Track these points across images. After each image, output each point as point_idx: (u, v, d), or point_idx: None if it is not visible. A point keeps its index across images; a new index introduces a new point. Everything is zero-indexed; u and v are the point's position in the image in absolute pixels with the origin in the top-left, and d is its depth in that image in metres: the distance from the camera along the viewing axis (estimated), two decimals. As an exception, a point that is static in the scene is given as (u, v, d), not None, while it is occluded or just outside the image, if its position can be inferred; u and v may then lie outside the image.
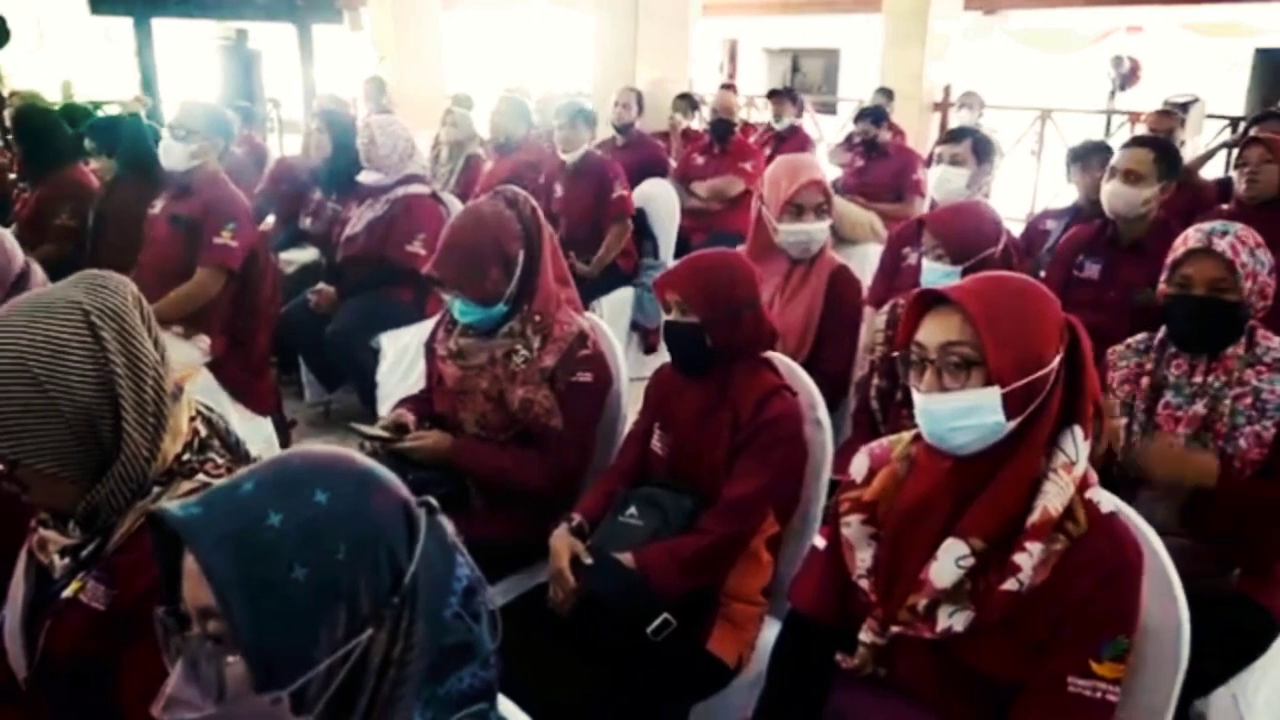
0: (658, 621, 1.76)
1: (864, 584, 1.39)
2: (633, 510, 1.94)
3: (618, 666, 1.75)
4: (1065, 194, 4.81)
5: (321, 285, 3.74)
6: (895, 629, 1.34)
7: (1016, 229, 3.94)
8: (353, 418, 2.56)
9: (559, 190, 4.34)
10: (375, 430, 2.17)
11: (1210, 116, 6.37)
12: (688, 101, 6.53)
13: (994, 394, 1.26)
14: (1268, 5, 11.41)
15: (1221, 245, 1.88)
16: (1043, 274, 3.15)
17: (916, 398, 1.32)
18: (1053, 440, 1.30)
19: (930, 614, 1.31)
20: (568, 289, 2.29)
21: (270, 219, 4.61)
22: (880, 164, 5.37)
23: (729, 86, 7.60)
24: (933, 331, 1.31)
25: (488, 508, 2.15)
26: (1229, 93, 8.20)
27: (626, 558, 1.81)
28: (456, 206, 3.73)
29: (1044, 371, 1.28)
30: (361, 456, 0.92)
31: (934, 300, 1.34)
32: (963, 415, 1.28)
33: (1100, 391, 1.35)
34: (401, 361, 3.55)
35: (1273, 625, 1.90)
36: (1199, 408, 1.90)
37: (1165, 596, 1.38)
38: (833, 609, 1.46)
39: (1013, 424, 1.28)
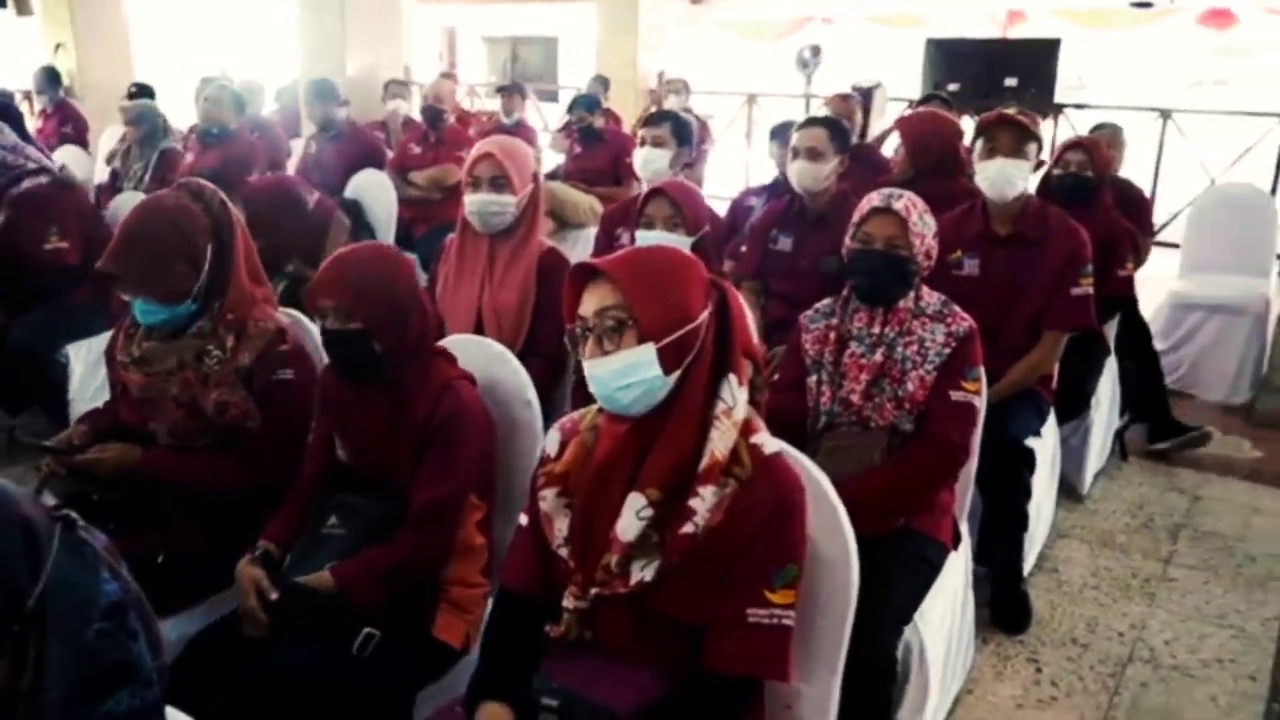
0: (360, 638, 1.72)
1: (563, 552, 1.43)
2: (334, 520, 1.85)
3: (333, 674, 1.69)
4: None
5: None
6: (595, 590, 1.39)
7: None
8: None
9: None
10: (50, 444, 1.99)
11: (893, 99, 6.98)
12: (399, 87, 6.37)
13: (649, 350, 1.33)
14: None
15: (897, 205, 2.11)
16: (743, 248, 3.35)
17: (585, 365, 1.38)
18: (713, 390, 1.39)
19: (624, 570, 1.37)
20: (263, 287, 2.18)
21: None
22: (597, 149, 5.50)
23: (448, 75, 7.50)
24: (589, 302, 1.37)
25: (189, 522, 2.01)
26: (908, 77, 9.00)
27: (324, 577, 1.75)
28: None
29: (693, 325, 1.36)
30: None
31: (590, 274, 1.39)
32: (624, 374, 1.34)
33: (753, 343, 1.46)
34: (96, 373, 3.24)
35: (944, 551, 2.13)
36: (878, 356, 2.10)
37: (834, 530, 1.52)
38: (539, 581, 1.49)
39: (673, 379, 1.36)
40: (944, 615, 2.14)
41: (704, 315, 1.38)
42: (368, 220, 4.42)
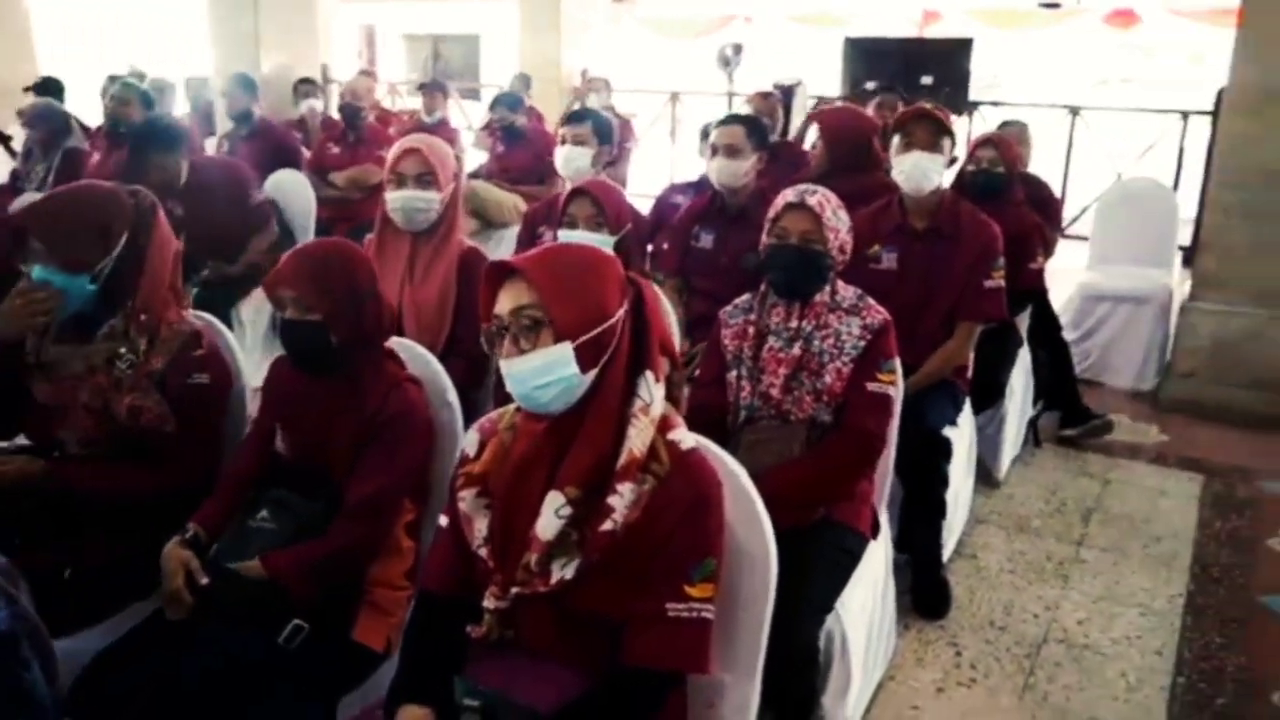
0: (289, 629, 1.70)
1: (483, 553, 1.43)
2: (264, 514, 1.85)
3: (252, 679, 1.66)
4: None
5: None
6: (515, 590, 1.39)
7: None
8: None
9: (178, 208, 3.97)
10: None
11: (813, 97, 7.07)
12: (312, 86, 6.26)
13: (565, 349, 1.34)
14: (855, -1, 12.90)
15: (811, 201, 2.15)
16: (665, 246, 3.36)
17: (502, 365, 1.37)
18: (631, 388, 1.40)
19: (544, 568, 1.37)
20: (178, 292, 2.13)
21: None
22: (520, 148, 5.48)
23: (367, 73, 7.39)
24: (505, 301, 1.37)
25: (100, 534, 1.95)
26: (829, 76, 9.14)
27: (254, 565, 1.73)
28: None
29: (609, 324, 1.37)
30: None
31: (505, 273, 1.39)
32: (542, 373, 1.34)
33: (670, 340, 1.47)
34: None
35: (864, 540, 2.18)
36: (795, 350, 2.13)
37: (753, 523, 1.54)
38: (460, 583, 1.48)
39: (590, 376, 1.36)
40: (865, 603, 2.18)
41: (620, 313, 1.39)
42: (285, 221, 4.33)
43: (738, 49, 9.44)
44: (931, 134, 2.83)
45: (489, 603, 1.41)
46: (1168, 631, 2.68)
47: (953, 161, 2.97)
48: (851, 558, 2.11)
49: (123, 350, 1.95)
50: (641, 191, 6.22)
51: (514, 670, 1.42)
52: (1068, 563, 3.04)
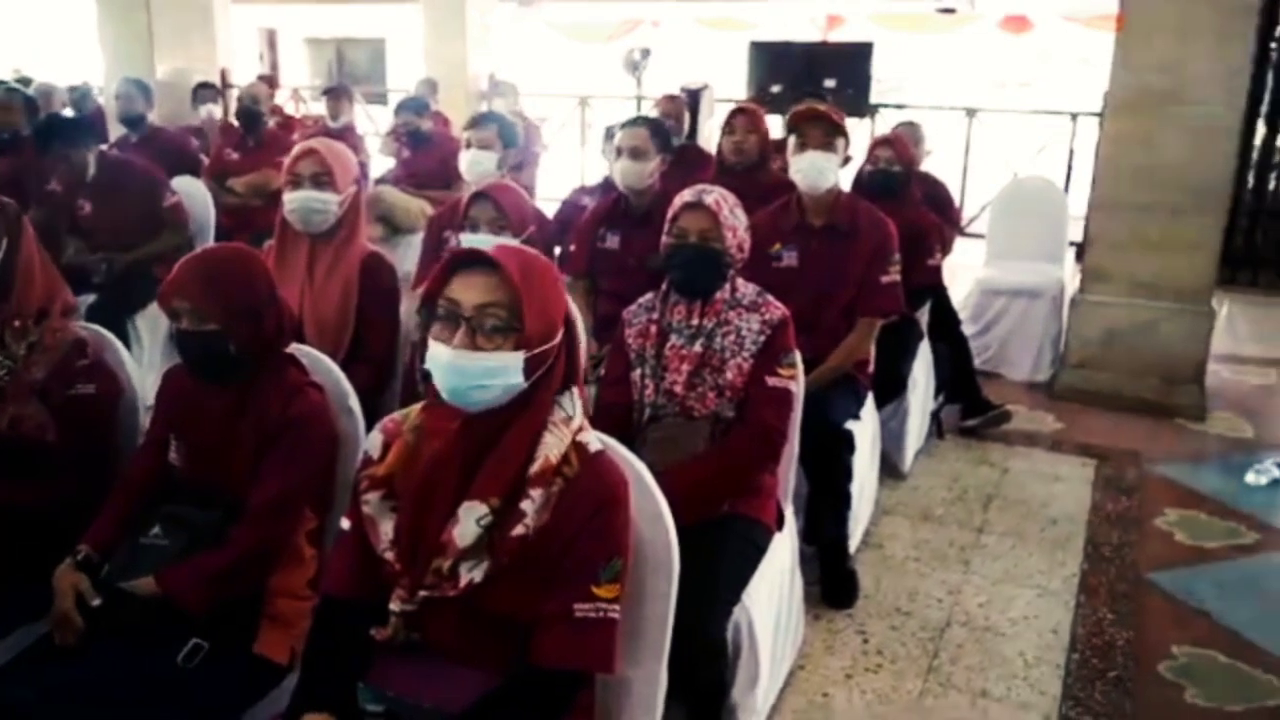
0: (187, 648, 1.66)
1: (389, 556, 1.41)
2: (156, 530, 1.80)
3: (150, 701, 1.62)
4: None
5: None
6: (423, 593, 1.38)
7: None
8: None
9: (86, 206, 3.84)
10: None
11: (720, 100, 7.16)
12: (211, 91, 6.10)
13: (519, 358, 1.34)
14: (761, 3, 13.08)
15: (708, 201, 2.18)
16: (572, 247, 3.38)
17: (441, 351, 1.35)
18: (553, 399, 1.41)
19: (454, 572, 1.36)
20: (62, 300, 2.06)
21: None
22: (426, 153, 5.43)
23: (266, 78, 7.22)
24: (470, 289, 1.35)
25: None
26: (735, 79, 9.25)
27: (148, 583, 1.69)
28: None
29: (557, 341, 1.40)
30: None
31: (472, 261, 1.37)
32: (489, 375, 1.34)
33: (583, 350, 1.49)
34: None
35: (769, 533, 2.21)
36: (697, 347, 2.16)
37: (656, 519, 1.56)
38: (363, 586, 1.46)
39: (526, 385, 1.37)
40: (772, 595, 2.22)
41: (561, 332, 1.41)
42: (183, 229, 4.22)
43: (645, 53, 9.49)
44: (824, 133, 2.90)
45: (395, 605, 1.40)
46: (1063, 610, 2.79)
47: (847, 160, 3.04)
48: (757, 550, 2.14)
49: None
50: (551, 195, 6.21)
51: (420, 673, 1.41)
52: (969, 548, 3.14)
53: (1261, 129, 6.27)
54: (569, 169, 8.21)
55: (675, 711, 2.00)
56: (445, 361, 1.34)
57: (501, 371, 1.34)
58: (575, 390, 1.45)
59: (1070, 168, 6.89)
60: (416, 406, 1.48)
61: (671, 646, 1.65)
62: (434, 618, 1.40)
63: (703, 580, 1.91)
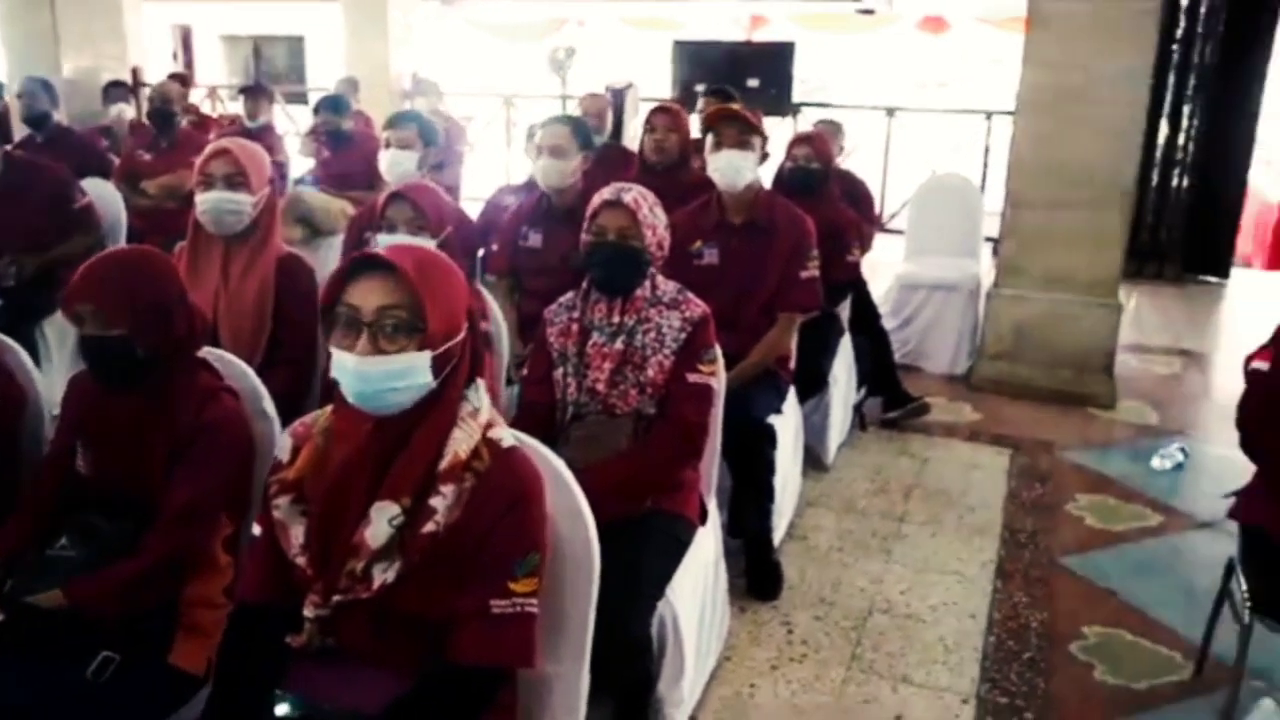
0: (97, 661, 1.62)
1: (300, 560, 1.40)
2: (63, 541, 1.75)
3: (60, 716, 1.57)
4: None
5: None
6: (337, 597, 1.36)
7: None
8: None
9: None
10: None
11: (645, 99, 7.18)
12: (122, 89, 5.93)
13: (426, 357, 1.34)
14: (686, 4, 13.14)
15: (627, 199, 2.19)
16: (494, 246, 3.36)
17: (345, 359, 1.34)
18: (462, 394, 1.41)
19: (367, 574, 1.35)
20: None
21: None
22: (347, 153, 5.34)
23: (178, 76, 7.04)
24: (369, 294, 1.34)
25: None
26: (660, 78, 9.29)
27: (54, 595, 1.64)
28: None
29: (462, 336, 1.40)
30: None
31: (368, 265, 1.36)
32: (397, 377, 1.33)
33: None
34: None
35: (692, 527, 2.23)
36: (619, 345, 2.17)
37: (575, 516, 1.57)
38: (277, 592, 1.44)
39: (435, 384, 1.37)
40: (696, 589, 2.24)
41: (465, 327, 1.41)
42: (93, 232, 4.09)
43: (569, 52, 9.51)
44: (739, 132, 2.95)
45: (309, 611, 1.38)
46: (980, 595, 2.87)
47: (765, 158, 3.08)
48: (680, 545, 2.16)
49: None
50: (477, 195, 6.18)
51: (336, 678, 1.40)
52: (891, 538, 3.21)
53: (1165, 128, 6.52)
54: (494, 168, 8.17)
55: (601, 708, 2.02)
56: (350, 369, 1.33)
57: (409, 373, 1.33)
58: (481, 383, 1.44)
59: (986, 165, 7.08)
60: (327, 409, 1.46)
61: (596, 643, 1.66)
62: (348, 621, 1.38)
63: (626, 576, 1.92)
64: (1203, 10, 6.25)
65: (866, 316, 4.10)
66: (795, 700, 2.41)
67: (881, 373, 4.14)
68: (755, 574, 2.84)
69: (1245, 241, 8.60)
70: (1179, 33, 6.32)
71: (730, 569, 2.61)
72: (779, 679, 2.48)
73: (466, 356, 1.42)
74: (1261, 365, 2.13)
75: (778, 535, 3.00)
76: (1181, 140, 6.51)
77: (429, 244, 2.48)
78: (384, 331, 1.33)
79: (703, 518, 2.27)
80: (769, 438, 2.80)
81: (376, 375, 1.33)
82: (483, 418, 1.42)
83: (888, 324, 4.40)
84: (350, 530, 1.36)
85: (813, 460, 3.58)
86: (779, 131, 6.46)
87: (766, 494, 2.82)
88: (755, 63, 8.80)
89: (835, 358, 3.63)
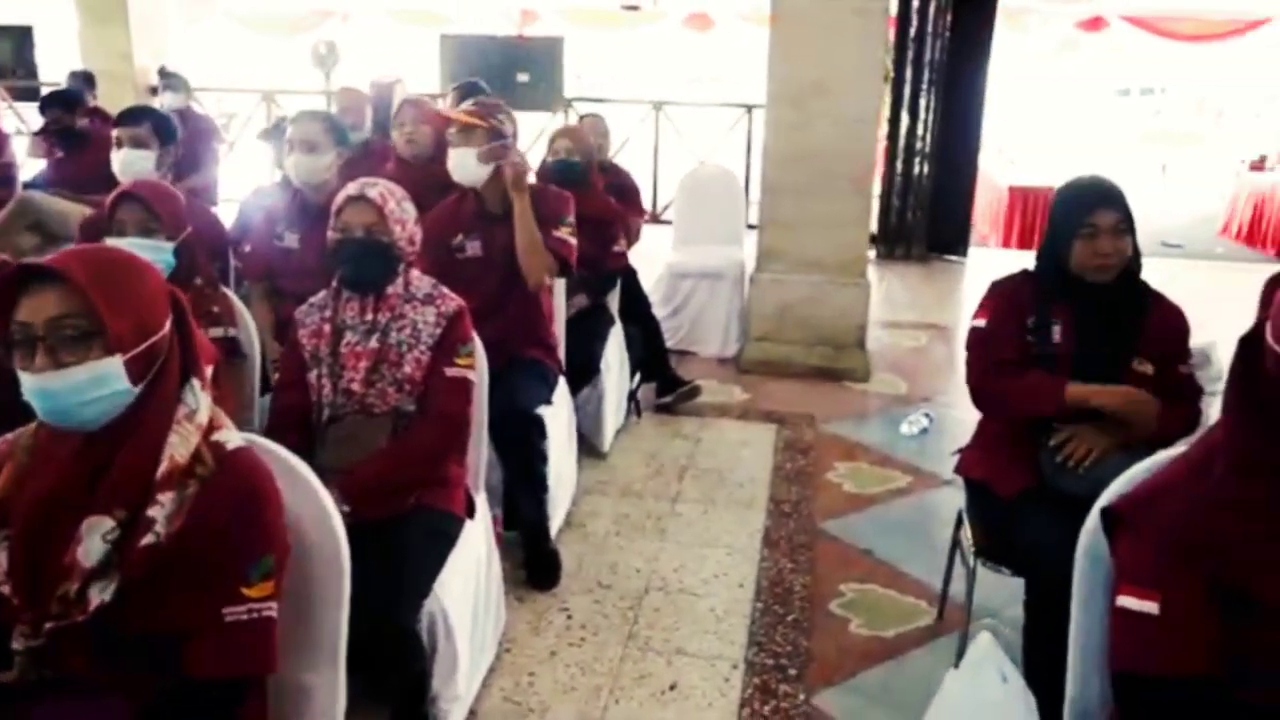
0: None
1: (4, 590, 1.29)
2: None
3: None
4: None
5: None
6: (49, 625, 1.27)
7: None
8: None
9: None
10: None
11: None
12: None
13: (117, 363, 1.27)
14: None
15: (372, 194, 2.15)
16: (248, 247, 3.21)
17: (28, 379, 1.25)
18: (175, 396, 1.35)
19: (82, 597, 1.27)
20: None
21: None
22: (83, 153, 4.94)
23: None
24: (38, 308, 1.25)
25: None
26: (430, 73, 9.14)
27: None
28: None
29: (162, 334, 1.33)
30: None
31: (34, 276, 1.27)
32: (89, 388, 1.26)
33: (209, 346, 1.43)
34: None
35: (459, 521, 2.22)
36: (373, 343, 2.13)
37: (321, 518, 1.53)
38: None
39: (139, 388, 1.30)
40: (467, 583, 2.23)
41: (169, 323, 1.34)
42: None
43: (331, 46, 9.16)
44: (459, 129, 2.92)
45: (18, 643, 1.27)
46: (749, 565, 3.02)
47: (506, 144, 3.07)
48: (447, 540, 2.14)
49: None
50: (236, 195, 5.87)
51: (60, 712, 1.30)
52: (666, 518, 3.31)
53: (906, 119, 7.04)
54: (256, 167, 7.78)
55: (378, 713, 2.00)
56: (34, 388, 1.25)
57: (100, 382, 1.26)
58: (197, 383, 1.38)
59: (749, 156, 7.42)
60: (31, 425, 1.36)
61: (364, 645, 1.63)
62: (66, 649, 1.29)
63: (390, 573, 1.90)
64: (931, 10, 6.78)
65: (637, 305, 4.20)
66: (574, 683, 2.44)
67: (654, 359, 4.26)
68: (533, 564, 2.86)
69: (984, 222, 9.46)
70: (912, 31, 6.83)
71: (510, 560, 2.62)
72: (558, 664, 2.52)
73: (175, 356, 1.36)
74: (979, 323, 2.31)
75: (555, 524, 3.04)
76: (921, 130, 7.03)
77: (164, 247, 2.35)
78: (62, 344, 1.25)
79: (470, 512, 2.27)
80: (538, 428, 2.82)
81: (62, 391, 1.25)
82: (201, 419, 1.36)
83: (659, 312, 4.54)
84: (59, 552, 1.27)
85: (589, 449, 3.64)
86: (551, 126, 6.52)
87: (539, 484, 2.84)
88: (526, 57, 8.82)
89: (606, 346, 3.70)
